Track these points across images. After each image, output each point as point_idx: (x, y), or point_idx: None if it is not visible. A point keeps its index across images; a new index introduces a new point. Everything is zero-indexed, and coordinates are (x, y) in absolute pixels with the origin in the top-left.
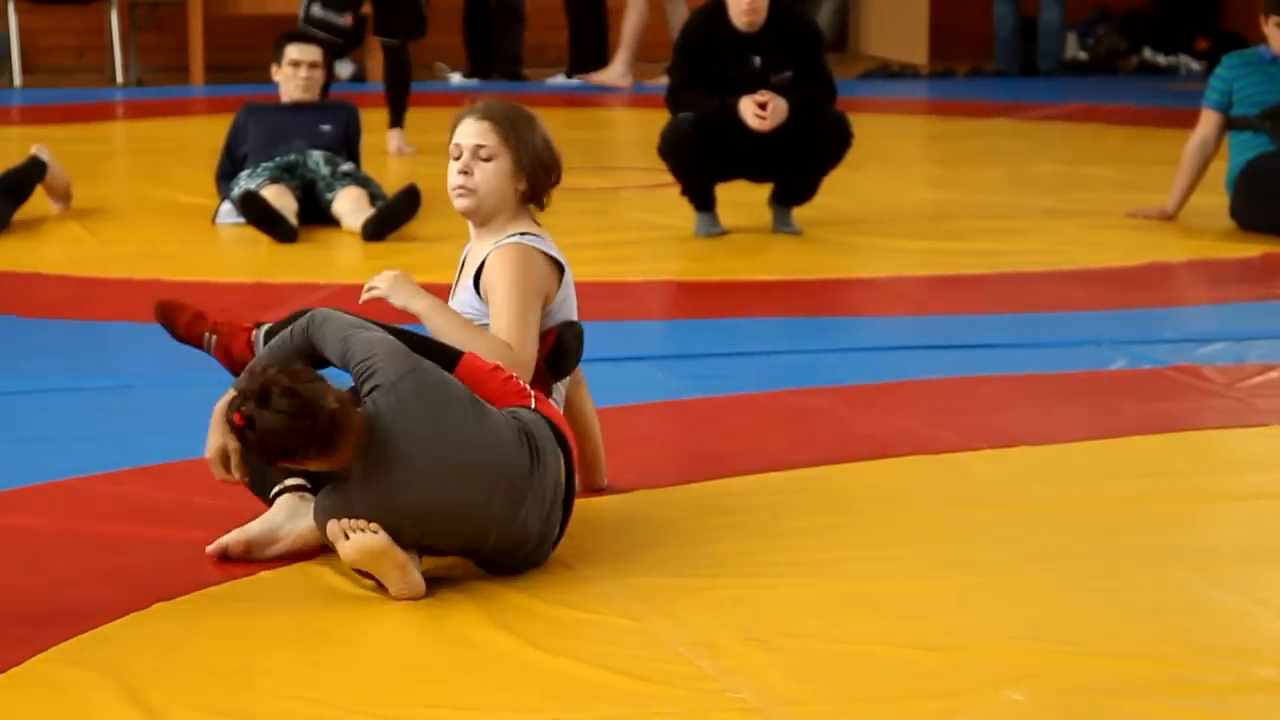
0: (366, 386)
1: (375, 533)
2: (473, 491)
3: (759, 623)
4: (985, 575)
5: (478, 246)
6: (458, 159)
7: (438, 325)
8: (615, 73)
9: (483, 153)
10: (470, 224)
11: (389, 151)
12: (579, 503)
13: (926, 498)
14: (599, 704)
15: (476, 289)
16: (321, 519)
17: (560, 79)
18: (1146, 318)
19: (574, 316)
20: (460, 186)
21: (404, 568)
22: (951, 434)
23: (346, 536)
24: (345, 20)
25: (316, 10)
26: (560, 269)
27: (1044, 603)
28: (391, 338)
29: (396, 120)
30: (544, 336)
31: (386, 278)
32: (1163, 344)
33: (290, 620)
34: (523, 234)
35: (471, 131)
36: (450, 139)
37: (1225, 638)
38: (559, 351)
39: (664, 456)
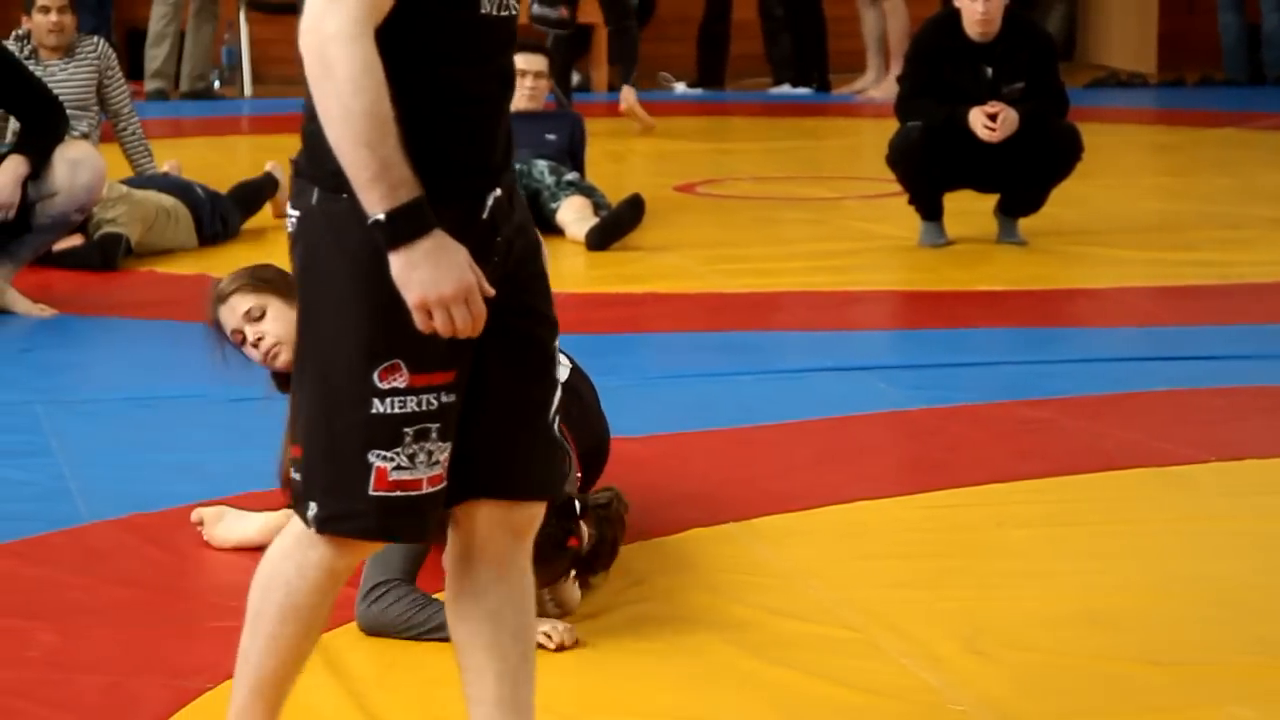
0: None
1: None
2: None
3: (982, 635)
4: (1213, 589)
5: None
6: (244, 341)
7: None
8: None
9: (254, 313)
10: None
11: (620, 110)
12: (802, 513)
13: (1153, 510)
14: (820, 715)
15: None
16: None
17: (786, 88)
18: None
19: None
20: (266, 351)
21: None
22: (1178, 446)
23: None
24: (560, 12)
25: (536, 9)
26: None
27: (1274, 618)
28: None
29: (627, 76)
30: None
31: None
32: None
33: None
34: None
35: (232, 311)
36: (223, 337)
37: None
38: None
39: (887, 467)
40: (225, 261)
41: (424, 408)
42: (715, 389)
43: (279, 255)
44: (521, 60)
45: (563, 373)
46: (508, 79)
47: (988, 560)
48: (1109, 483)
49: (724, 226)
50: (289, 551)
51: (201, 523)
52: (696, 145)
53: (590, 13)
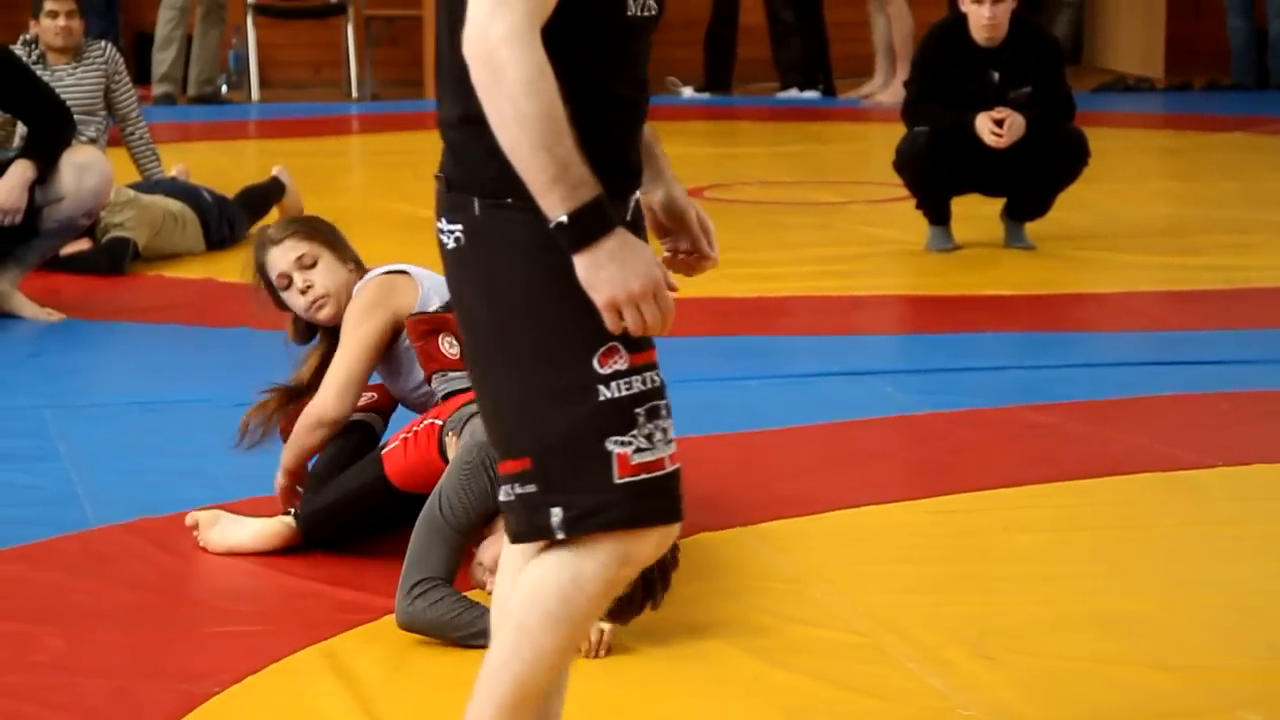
0: None
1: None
2: None
3: (989, 639)
4: (1221, 594)
5: None
6: (289, 286)
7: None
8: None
9: (306, 260)
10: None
11: None
12: (810, 518)
13: (1160, 515)
14: (827, 719)
15: None
16: None
17: (794, 92)
18: None
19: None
20: (313, 300)
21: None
22: (1185, 451)
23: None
24: None
25: None
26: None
27: None
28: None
29: None
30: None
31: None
32: None
33: None
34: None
35: (284, 254)
36: (269, 279)
37: None
38: None
39: (894, 471)
40: (233, 266)
41: (648, 385)
42: (722, 394)
43: None
44: None
45: None
46: (646, 81)
47: (995, 565)
48: (1116, 487)
49: (730, 231)
50: (562, 563)
51: (197, 526)
52: (703, 149)
53: None
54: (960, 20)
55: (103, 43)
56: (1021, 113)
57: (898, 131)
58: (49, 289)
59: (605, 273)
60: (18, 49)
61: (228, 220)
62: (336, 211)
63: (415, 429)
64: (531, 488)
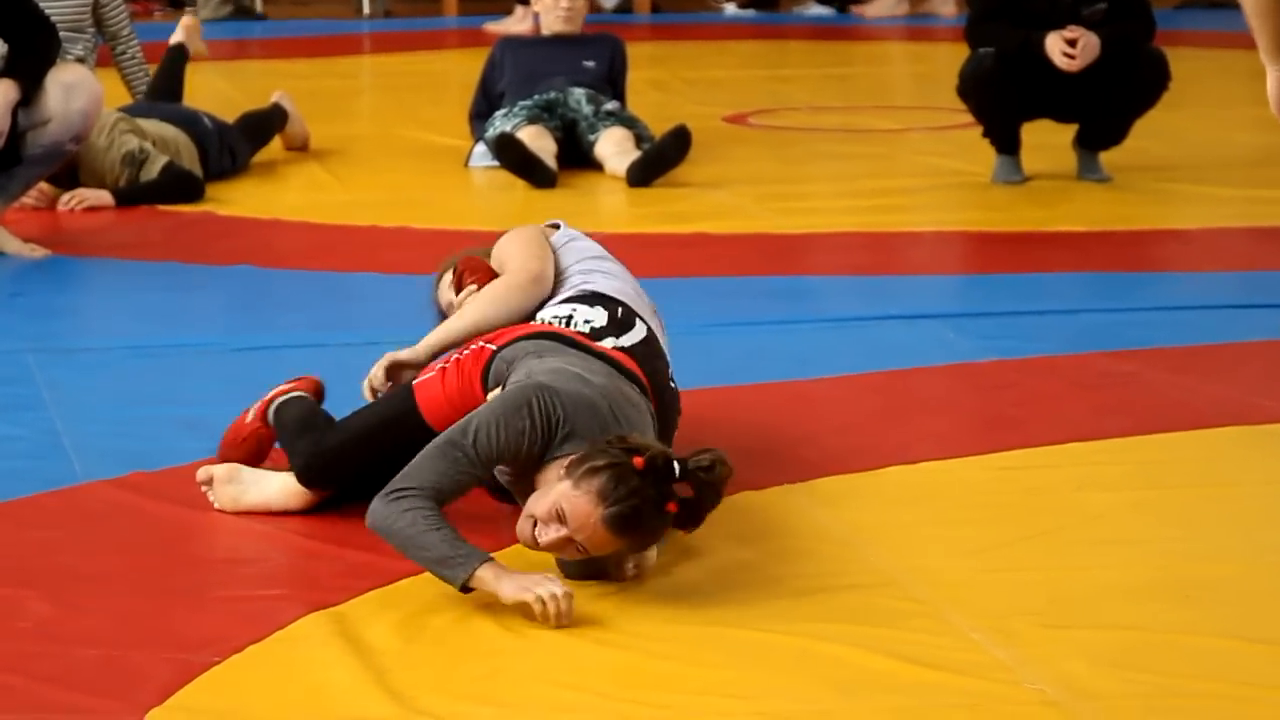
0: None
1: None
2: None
3: (1059, 608)
4: None
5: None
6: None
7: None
8: (887, 3)
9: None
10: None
11: None
12: (863, 474)
13: (1246, 473)
14: (882, 694)
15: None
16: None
17: (817, 9)
18: None
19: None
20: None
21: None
22: (1275, 402)
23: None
24: None
25: None
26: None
27: None
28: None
29: None
30: None
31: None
32: None
33: None
34: None
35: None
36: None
37: None
38: None
39: (955, 424)
40: (232, 197)
41: None
42: (769, 338)
43: (291, 189)
44: None
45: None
46: None
47: (1066, 527)
48: (1199, 442)
49: (779, 161)
50: None
51: (210, 482)
52: (748, 72)
53: None
54: None
55: None
56: (1096, 32)
57: (961, 52)
58: (35, 223)
59: None
60: None
61: (229, 149)
62: (346, 139)
63: (458, 355)
64: None
